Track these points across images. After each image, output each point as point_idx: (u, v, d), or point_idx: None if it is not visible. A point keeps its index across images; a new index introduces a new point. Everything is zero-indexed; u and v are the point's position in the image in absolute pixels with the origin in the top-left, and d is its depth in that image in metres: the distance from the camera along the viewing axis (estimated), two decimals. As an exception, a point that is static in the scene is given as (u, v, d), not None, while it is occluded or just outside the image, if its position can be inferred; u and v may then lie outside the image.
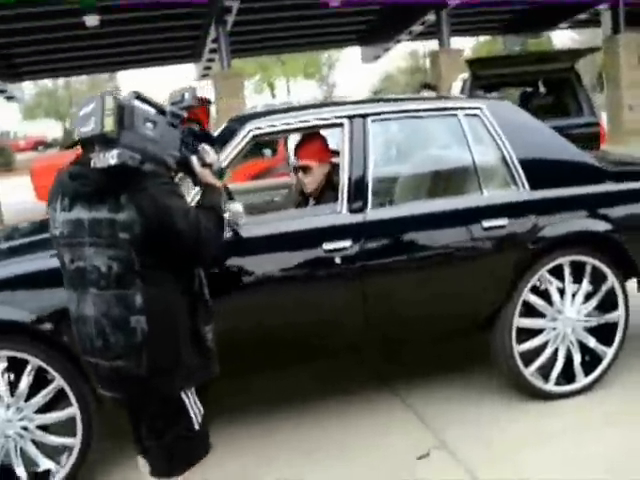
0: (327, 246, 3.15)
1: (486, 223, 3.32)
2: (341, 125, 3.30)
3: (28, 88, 33.98)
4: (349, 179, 3.25)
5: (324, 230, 3.20)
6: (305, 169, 3.60)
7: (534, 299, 3.44)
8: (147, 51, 17.50)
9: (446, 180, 3.54)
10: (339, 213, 3.23)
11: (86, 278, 2.11)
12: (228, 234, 2.93)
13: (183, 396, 2.20)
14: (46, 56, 16.32)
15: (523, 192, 3.40)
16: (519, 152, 3.43)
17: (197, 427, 2.24)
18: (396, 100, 3.76)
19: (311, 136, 3.62)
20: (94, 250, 2.08)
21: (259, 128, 3.24)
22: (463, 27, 19.88)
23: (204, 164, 2.36)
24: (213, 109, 12.03)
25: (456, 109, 3.46)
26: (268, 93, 39.27)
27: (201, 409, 2.26)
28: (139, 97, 2.12)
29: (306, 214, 3.38)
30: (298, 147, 3.66)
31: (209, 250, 2.24)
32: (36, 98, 36.30)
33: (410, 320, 3.36)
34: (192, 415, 2.22)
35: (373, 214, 3.24)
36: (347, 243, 3.17)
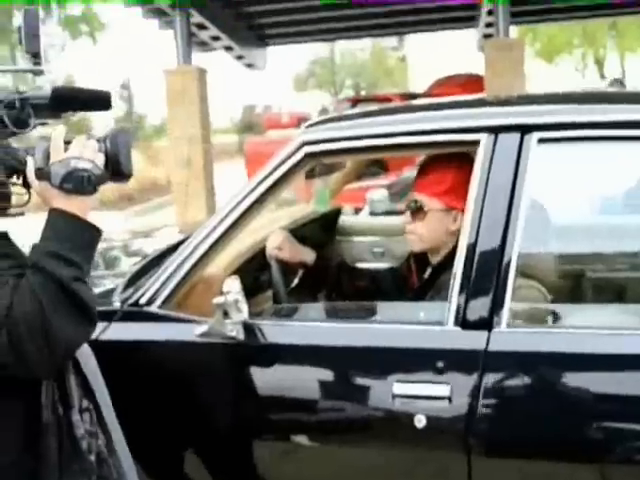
0: (399, 389, 1.54)
1: None
2: (475, 144, 1.63)
3: (301, 55, 29.43)
4: (470, 252, 1.57)
5: (398, 354, 1.59)
6: (416, 210, 1.97)
7: None
8: (416, 12, 14.42)
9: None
10: (439, 323, 1.58)
11: None
12: (232, 332, 1.65)
13: None
14: (288, 16, 13.48)
15: None
16: None
17: None
18: (598, 98, 1.79)
19: (446, 160, 1.95)
20: None
21: (315, 143, 1.76)
22: None
23: (39, 172, 1.19)
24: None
25: None
26: (594, 71, 27.74)
27: None
28: None
29: (372, 312, 1.74)
30: (420, 172, 2.03)
31: (32, 356, 1.14)
32: (310, 67, 30.67)
33: None
34: None
35: (510, 337, 1.54)
36: (444, 390, 1.51)
